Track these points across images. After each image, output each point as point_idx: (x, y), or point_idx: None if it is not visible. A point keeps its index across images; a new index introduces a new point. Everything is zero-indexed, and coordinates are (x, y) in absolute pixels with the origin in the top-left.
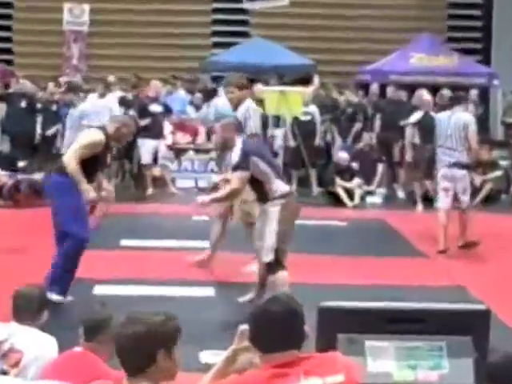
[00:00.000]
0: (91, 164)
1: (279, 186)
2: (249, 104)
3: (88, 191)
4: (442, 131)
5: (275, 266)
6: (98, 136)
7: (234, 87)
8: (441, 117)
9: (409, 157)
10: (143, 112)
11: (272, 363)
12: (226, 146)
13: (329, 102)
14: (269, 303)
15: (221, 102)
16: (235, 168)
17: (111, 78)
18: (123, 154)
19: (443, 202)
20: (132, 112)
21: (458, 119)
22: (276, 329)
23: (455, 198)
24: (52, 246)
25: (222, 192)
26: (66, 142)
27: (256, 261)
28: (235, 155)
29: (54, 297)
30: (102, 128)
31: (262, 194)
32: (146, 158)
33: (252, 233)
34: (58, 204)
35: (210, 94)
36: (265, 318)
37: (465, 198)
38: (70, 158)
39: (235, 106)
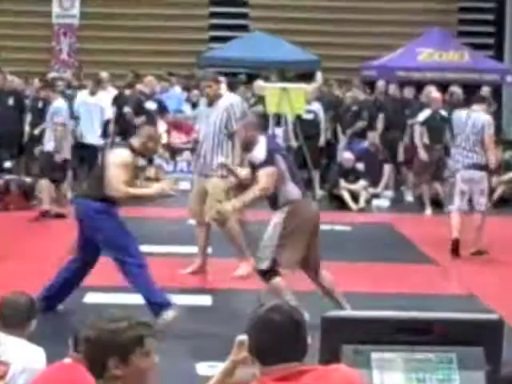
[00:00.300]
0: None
1: (291, 191)
2: (233, 98)
3: (160, 190)
4: (459, 131)
5: (268, 273)
6: (126, 154)
7: (211, 81)
8: (458, 116)
9: (423, 157)
10: (138, 109)
11: (272, 376)
12: (249, 146)
13: (332, 99)
14: (270, 312)
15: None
16: (262, 165)
17: (103, 75)
18: None
19: (458, 204)
20: (127, 109)
21: (477, 119)
22: (277, 339)
23: (470, 201)
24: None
25: (252, 192)
26: (45, 141)
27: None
28: (259, 152)
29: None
30: (128, 145)
31: (273, 199)
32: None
33: (227, 231)
34: (104, 235)
35: None
36: (265, 328)
37: (482, 201)
38: (116, 188)
39: (211, 100)
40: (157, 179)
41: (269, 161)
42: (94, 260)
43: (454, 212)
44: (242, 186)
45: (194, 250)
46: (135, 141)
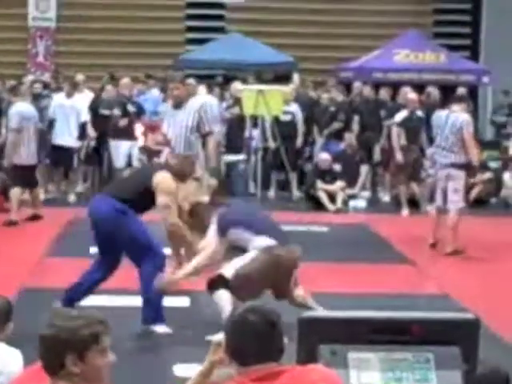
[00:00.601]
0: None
1: (260, 242)
2: (204, 99)
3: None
4: (438, 131)
5: (218, 283)
6: (168, 177)
7: (178, 83)
8: (437, 116)
9: (399, 158)
10: (123, 112)
11: (249, 376)
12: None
13: (307, 101)
14: (245, 313)
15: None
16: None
17: (79, 77)
18: (92, 157)
19: (437, 203)
20: (116, 111)
21: (456, 119)
22: (252, 340)
23: (445, 199)
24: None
25: (195, 263)
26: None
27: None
28: (209, 235)
29: (158, 329)
30: (165, 166)
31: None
32: (119, 161)
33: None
34: (128, 234)
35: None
36: (241, 329)
37: (456, 199)
38: (169, 214)
39: (178, 102)
40: None
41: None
42: (117, 263)
43: (431, 211)
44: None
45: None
46: (173, 161)
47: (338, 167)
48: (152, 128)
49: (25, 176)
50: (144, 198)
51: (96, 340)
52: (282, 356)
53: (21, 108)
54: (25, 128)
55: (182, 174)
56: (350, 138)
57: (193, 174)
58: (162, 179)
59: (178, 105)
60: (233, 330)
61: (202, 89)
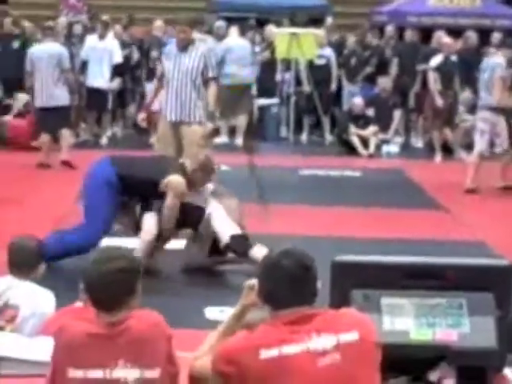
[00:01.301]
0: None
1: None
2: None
3: None
4: (482, 75)
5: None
6: (182, 183)
7: (185, 26)
8: (484, 60)
9: (438, 103)
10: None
11: (283, 320)
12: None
13: (335, 45)
14: (279, 256)
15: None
16: None
17: (105, 18)
18: (119, 100)
19: (478, 144)
20: (155, 53)
21: (493, 62)
22: (287, 284)
23: (491, 143)
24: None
25: None
26: None
27: None
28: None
29: None
30: (183, 171)
31: None
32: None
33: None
34: (90, 199)
35: (219, 37)
36: (273, 272)
37: (499, 141)
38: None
39: (184, 46)
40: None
41: None
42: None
43: (471, 158)
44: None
45: None
46: (188, 163)
47: (371, 112)
48: None
49: (47, 119)
50: (143, 188)
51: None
52: (315, 300)
53: (32, 50)
54: (36, 70)
55: (194, 183)
56: (385, 82)
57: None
58: (176, 184)
59: (184, 48)
60: (266, 273)
61: (233, 31)
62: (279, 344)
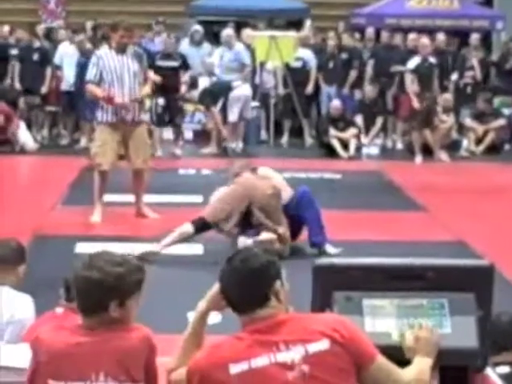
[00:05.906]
0: None
1: None
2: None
3: None
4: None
5: None
6: None
7: (127, 31)
8: None
9: (415, 105)
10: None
11: (249, 329)
12: None
13: (315, 47)
14: (231, 259)
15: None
16: None
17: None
18: None
19: None
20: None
21: None
22: (235, 287)
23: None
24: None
25: None
26: None
27: None
28: None
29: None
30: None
31: None
32: None
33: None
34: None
35: (197, 42)
36: (226, 276)
37: None
38: None
39: (121, 49)
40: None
41: None
42: None
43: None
44: None
45: (186, 199)
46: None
47: (359, 119)
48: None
49: None
50: None
51: (138, 287)
52: (267, 303)
53: None
54: None
55: None
56: (371, 90)
57: None
58: None
59: (121, 51)
60: (220, 277)
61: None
62: (247, 357)
